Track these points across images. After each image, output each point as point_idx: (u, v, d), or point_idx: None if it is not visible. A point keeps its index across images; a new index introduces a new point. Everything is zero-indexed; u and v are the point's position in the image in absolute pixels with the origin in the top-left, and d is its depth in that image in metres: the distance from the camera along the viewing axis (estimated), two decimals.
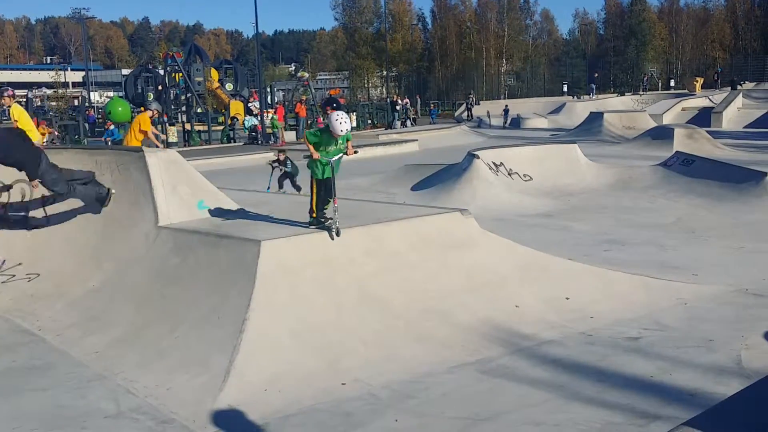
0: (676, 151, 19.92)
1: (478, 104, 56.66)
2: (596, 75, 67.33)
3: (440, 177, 18.68)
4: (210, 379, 6.43)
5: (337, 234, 8.05)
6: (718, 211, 14.83)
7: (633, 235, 13.04)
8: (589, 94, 59.61)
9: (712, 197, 15.79)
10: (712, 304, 8.84)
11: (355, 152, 8.18)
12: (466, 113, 52.19)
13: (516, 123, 45.69)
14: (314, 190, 8.18)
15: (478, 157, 17.82)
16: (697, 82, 54.81)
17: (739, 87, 49.75)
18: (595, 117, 36.11)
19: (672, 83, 66.01)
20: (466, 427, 5.76)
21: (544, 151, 20.35)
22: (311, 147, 7.91)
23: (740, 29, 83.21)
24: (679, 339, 7.61)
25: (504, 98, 68.57)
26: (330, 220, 8.12)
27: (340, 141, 7.98)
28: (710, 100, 46.60)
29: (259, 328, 6.90)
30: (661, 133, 27.65)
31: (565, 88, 65.47)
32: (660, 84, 70.50)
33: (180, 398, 6.28)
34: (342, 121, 7.79)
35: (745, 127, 38.85)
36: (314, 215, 8.23)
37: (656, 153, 22.29)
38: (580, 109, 47.85)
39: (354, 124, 40.67)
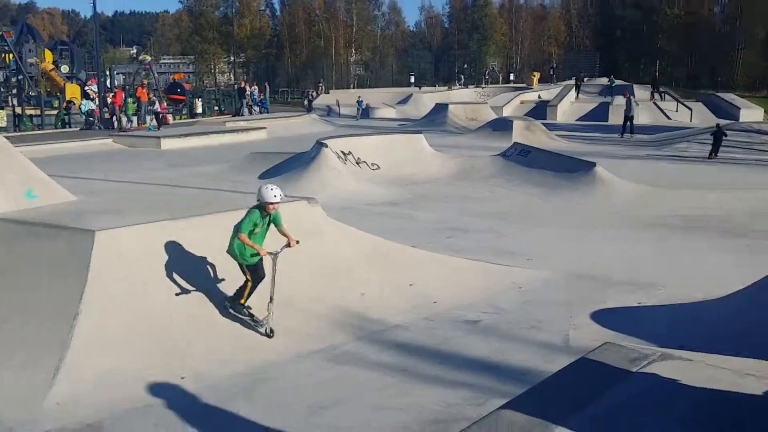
0: (515, 142, 20.82)
1: (328, 93, 56.73)
2: (465, 66, 70.12)
3: (288, 165, 18.53)
4: (39, 376, 6.04)
5: (270, 334, 7.29)
6: (553, 199, 15.68)
7: (474, 223, 13.52)
8: (460, 83, 61.99)
9: (547, 186, 16.65)
10: (544, 287, 9.34)
11: (297, 242, 7.30)
12: (306, 103, 51.39)
13: (365, 113, 46.20)
14: (249, 279, 7.25)
15: (327, 146, 17.83)
16: (534, 76, 57.75)
17: (582, 82, 52.45)
18: (441, 108, 37.12)
19: (512, 77, 69.12)
20: (310, 415, 5.76)
21: (391, 140, 20.68)
22: (249, 241, 7.02)
23: (574, 26, 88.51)
24: (514, 321, 7.98)
25: (354, 87, 69.14)
26: (255, 318, 7.33)
27: (265, 221, 7.20)
28: (540, 96, 49.10)
29: (92, 322, 6.54)
30: (501, 125, 28.74)
31: (413, 80, 66.91)
32: (501, 77, 73.58)
33: (6, 397, 5.85)
34: (273, 187, 7.15)
35: (578, 119, 41.26)
36: (242, 301, 7.28)
37: (497, 144, 23.21)
38: (426, 99, 49.04)
39: (200, 110, 39.53)
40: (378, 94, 56.31)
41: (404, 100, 52.50)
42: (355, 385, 6.29)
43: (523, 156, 18.79)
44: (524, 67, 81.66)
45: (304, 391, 6.22)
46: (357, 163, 18.41)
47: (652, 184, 16.06)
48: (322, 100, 52.67)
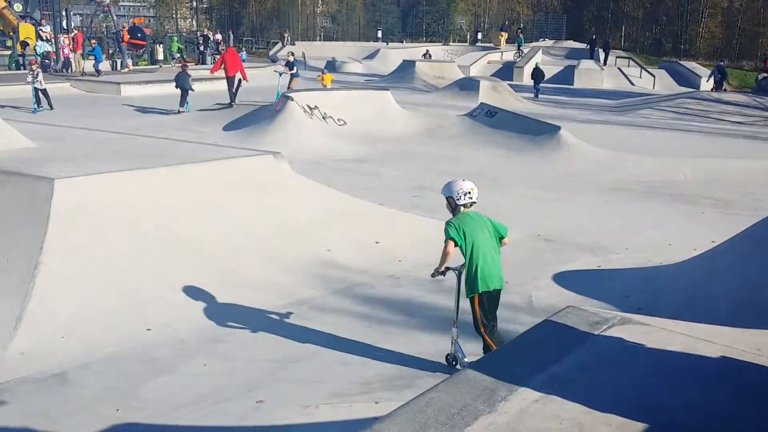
0: (481, 103, 20.80)
1: (293, 44, 55.83)
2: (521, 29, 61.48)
3: (253, 117, 18.29)
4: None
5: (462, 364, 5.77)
6: (518, 161, 15.74)
7: (439, 182, 13.35)
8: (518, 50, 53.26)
9: (512, 148, 16.70)
10: (508, 249, 9.41)
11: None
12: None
13: (331, 66, 45.60)
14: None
15: (293, 99, 17.63)
16: (501, 36, 57.36)
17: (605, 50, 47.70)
18: (408, 65, 36.82)
19: (479, 36, 68.70)
20: (276, 370, 5.78)
21: (358, 96, 20.50)
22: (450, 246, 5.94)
23: None
24: None
25: (320, 40, 68.17)
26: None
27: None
28: (516, 56, 48.69)
29: (54, 272, 6.44)
30: (468, 85, 28.66)
31: (380, 34, 66.20)
32: (468, 36, 73.09)
33: None
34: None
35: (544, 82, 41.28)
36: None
37: (463, 103, 23.17)
38: (394, 56, 48.59)
39: (161, 57, 38.54)
40: (345, 48, 55.63)
41: (371, 55, 51.97)
42: (321, 341, 6.32)
43: (489, 117, 18.79)
44: (492, 27, 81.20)
45: (270, 345, 6.24)
46: (323, 117, 18.22)
47: (614, 149, 16.23)
48: (287, 51, 51.71)
